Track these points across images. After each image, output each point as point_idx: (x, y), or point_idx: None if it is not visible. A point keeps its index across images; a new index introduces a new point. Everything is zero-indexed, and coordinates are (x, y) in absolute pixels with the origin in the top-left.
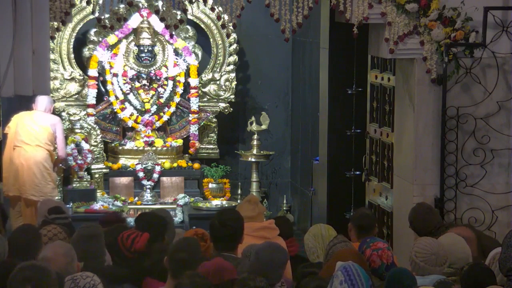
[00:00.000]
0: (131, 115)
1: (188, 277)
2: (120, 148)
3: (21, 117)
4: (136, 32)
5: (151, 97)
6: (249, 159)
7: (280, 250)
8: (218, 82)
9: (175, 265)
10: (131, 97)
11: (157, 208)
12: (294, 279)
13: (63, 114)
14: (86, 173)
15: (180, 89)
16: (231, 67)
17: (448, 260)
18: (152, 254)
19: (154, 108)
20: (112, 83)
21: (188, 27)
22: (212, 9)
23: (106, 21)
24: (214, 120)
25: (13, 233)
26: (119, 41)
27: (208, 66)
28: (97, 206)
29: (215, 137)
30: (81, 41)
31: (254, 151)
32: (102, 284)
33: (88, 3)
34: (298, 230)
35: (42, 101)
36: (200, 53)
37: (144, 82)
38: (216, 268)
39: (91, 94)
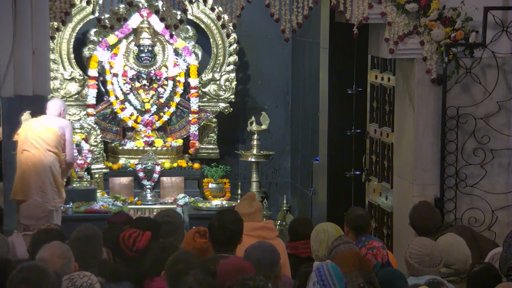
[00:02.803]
0: (131, 115)
1: (192, 275)
2: (120, 148)
3: (30, 123)
4: (136, 32)
5: (151, 97)
6: (249, 159)
7: (270, 251)
8: (218, 82)
9: (173, 277)
10: (131, 97)
11: (168, 209)
12: (297, 278)
13: None
14: (86, 173)
15: (180, 89)
16: (231, 67)
17: (442, 260)
18: (150, 253)
19: (154, 108)
20: (112, 83)
21: (188, 27)
22: (212, 9)
23: (106, 21)
24: (214, 120)
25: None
26: (119, 41)
27: (208, 66)
28: (97, 206)
29: (215, 137)
30: (81, 41)
31: (254, 151)
32: (100, 282)
33: (88, 3)
34: None
35: (52, 106)
36: (200, 53)
37: (144, 82)
38: (236, 268)
39: (91, 94)
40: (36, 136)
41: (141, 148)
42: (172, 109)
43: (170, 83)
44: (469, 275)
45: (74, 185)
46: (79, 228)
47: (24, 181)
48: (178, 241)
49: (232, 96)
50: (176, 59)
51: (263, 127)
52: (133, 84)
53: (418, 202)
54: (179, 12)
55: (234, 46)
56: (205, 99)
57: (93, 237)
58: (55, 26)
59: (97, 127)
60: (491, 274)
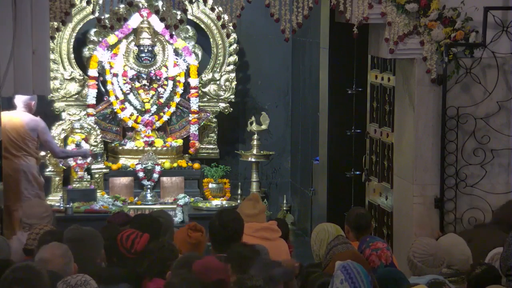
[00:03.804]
0: (131, 115)
1: (178, 276)
2: (120, 148)
3: (2, 124)
4: (136, 32)
5: (151, 97)
6: (249, 159)
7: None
8: (218, 82)
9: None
10: (131, 97)
11: (158, 209)
12: (298, 279)
13: (63, 114)
14: (86, 173)
15: (180, 89)
16: (231, 67)
17: (445, 261)
18: (148, 254)
19: (154, 108)
20: (112, 83)
21: (188, 27)
22: (212, 9)
23: (106, 21)
24: (214, 120)
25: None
26: (119, 41)
27: (208, 66)
28: (97, 206)
29: (215, 137)
30: (81, 41)
31: (254, 151)
32: (98, 285)
33: (88, 3)
34: (298, 231)
35: (20, 101)
36: (200, 53)
37: (144, 82)
38: (204, 266)
39: (91, 94)
40: (13, 143)
41: (141, 148)
42: (172, 109)
43: (170, 83)
44: (470, 276)
45: (74, 185)
46: (66, 229)
47: (4, 189)
48: (168, 240)
49: (232, 96)
50: (176, 59)
51: (263, 127)
52: (133, 84)
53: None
54: (179, 12)
55: (234, 46)
56: (205, 99)
57: (79, 238)
58: (55, 26)
59: (97, 127)
60: (492, 276)
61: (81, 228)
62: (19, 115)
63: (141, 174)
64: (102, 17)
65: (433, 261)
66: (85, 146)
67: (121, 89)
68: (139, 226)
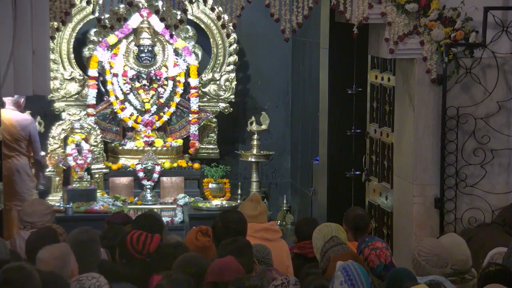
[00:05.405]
0: (131, 115)
1: (166, 276)
2: (120, 148)
3: None
4: (136, 32)
5: (151, 97)
6: (249, 159)
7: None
8: (218, 82)
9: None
10: (131, 97)
11: (150, 210)
12: (298, 279)
13: (63, 114)
14: (86, 173)
15: (180, 89)
16: (231, 67)
17: (449, 263)
18: (161, 249)
19: (154, 108)
20: (112, 83)
21: (188, 27)
22: (212, 9)
23: (106, 21)
24: (214, 120)
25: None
26: (119, 41)
27: (208, 66)
28: (97, 206)
29: (215, 137)
30: (81, 41)
31: (254, 151)
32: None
33: (88, 3)
34: None
35: (9, 99)
36: (200, 53)
37: (144, 82)
38: (219, 266)
39: (91, 94)
40: (5, 144)
41: (141, 148)
42: (172, 109)
43: (170, 83)
44: (483, 273)
45: (74, 185)
46: (75, 231)
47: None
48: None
49: (232, 96)
50: (176, 59)
51: (263, 127)
52: (133, 84)
53: None
54: (179, 12)
55: (234, 46)
56: (205, 99)
57: (90, 240)
58: (55, 26)
59: (97, 127)
60: (503, 277)
61: (89, 229)
62: (10, 115)
63: (141, 174)
64: (102, 17)
65: (437, 261)
66: (85, 146)
67: (121, 89)
68: (141, 227)
